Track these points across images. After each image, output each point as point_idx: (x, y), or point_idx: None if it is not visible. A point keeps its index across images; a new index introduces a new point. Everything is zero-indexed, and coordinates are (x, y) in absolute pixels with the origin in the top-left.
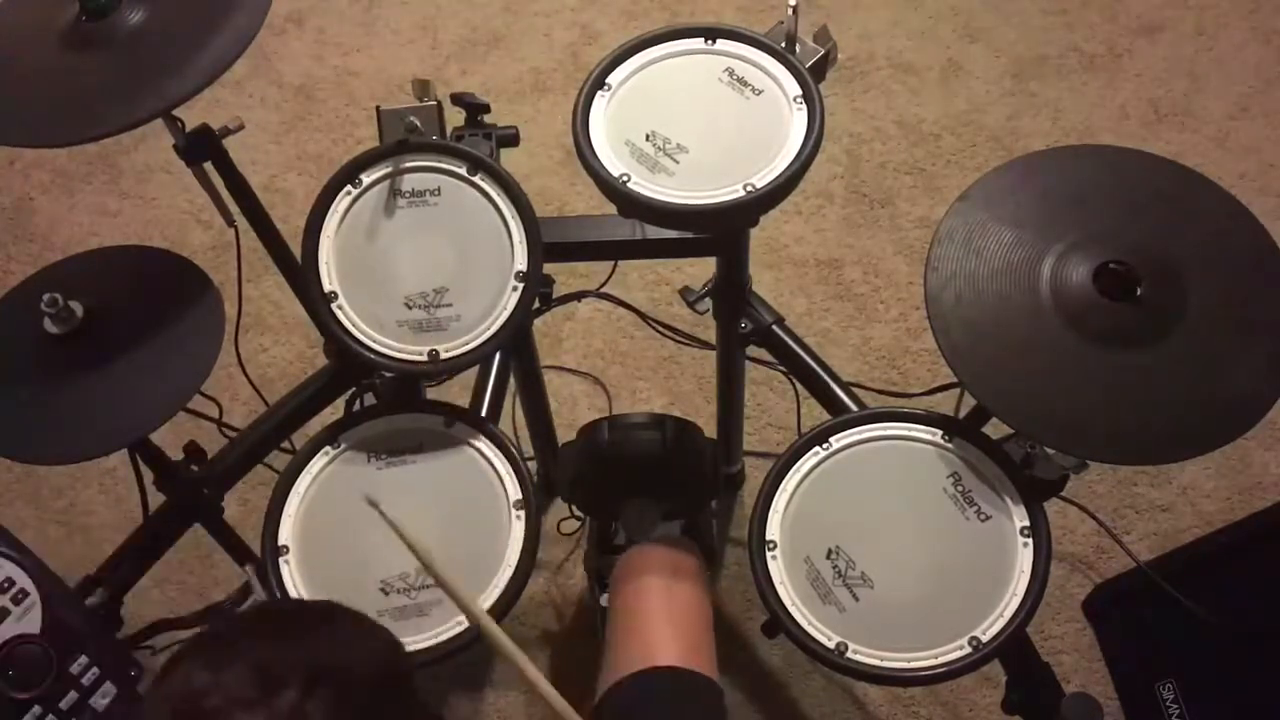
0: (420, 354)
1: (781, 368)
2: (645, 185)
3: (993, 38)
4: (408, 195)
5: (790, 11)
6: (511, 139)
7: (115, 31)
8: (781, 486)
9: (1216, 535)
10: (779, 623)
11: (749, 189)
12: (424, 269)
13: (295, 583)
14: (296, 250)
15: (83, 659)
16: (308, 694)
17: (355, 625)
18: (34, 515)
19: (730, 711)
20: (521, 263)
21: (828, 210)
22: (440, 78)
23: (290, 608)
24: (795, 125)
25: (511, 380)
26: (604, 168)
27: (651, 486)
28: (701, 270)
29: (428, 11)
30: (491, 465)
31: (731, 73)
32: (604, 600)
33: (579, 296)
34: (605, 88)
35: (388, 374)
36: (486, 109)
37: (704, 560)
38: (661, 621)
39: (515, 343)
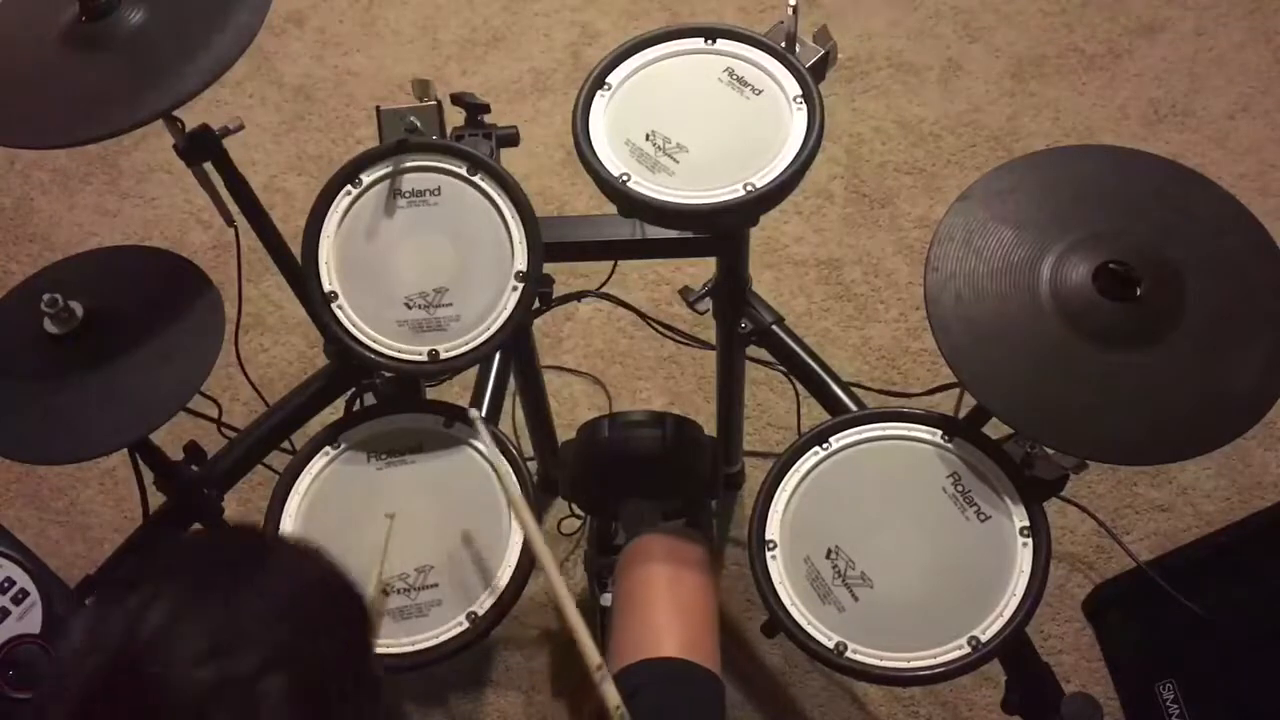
0: (420, 354)
1: (781, 368)
2: (645, 185)
3: (993, 38)
4: (408, 195)
5: (790, 11)
6: (511, 139)
7: (115, 31)
8: (781, 486)
9: (1216, 535)
10: (778, 622)
11: (749, 189)
12: (424, 269)
13: None
14: (296, 250)
15: None
16: (264, 670)
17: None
18: (34, 515)
19: (730, 711)
20: (521, 263)
21: (828, 210)
22: (440, 78)
23: (250, 551)
24: (795, 125)
25: (511, 380)
26: (604, 167)
27: (652, 485)
28: (701, 270)
29: (428, 11)
30: (491, 465)
31: (731, 73)
32: (604, 600)
33: (579, 296)
34: (605, 87)
35: (388, 374)
36: (486, 109)
37: (710, 550)
38: (665, 611)
39: (515, 343)
